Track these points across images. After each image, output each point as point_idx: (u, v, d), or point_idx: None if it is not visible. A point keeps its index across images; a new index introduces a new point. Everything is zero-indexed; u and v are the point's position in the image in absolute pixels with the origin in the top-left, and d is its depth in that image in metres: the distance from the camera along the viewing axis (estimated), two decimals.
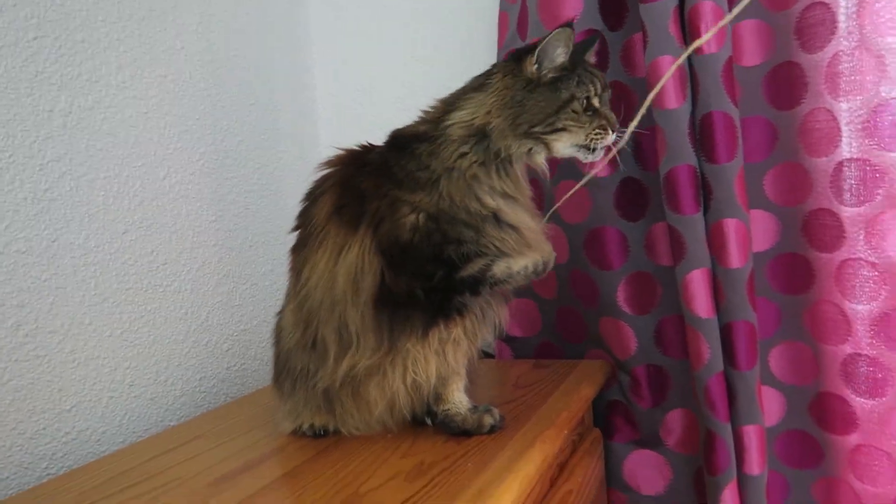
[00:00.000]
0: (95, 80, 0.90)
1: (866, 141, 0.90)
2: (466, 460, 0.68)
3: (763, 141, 0.98)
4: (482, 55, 1.22)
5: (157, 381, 0.98)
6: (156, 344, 0.98)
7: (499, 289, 0.76)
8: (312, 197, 0.78)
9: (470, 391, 0.80)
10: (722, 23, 0.88)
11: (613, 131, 0.77)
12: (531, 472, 0.67)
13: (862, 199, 0.90)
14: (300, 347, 0.77)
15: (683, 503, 1.04)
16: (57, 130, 0.85)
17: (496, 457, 0.69)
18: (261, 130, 1.23)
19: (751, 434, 0.94)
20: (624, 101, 1.00)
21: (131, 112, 0.96)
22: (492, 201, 0.73)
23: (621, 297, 1.05)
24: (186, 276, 1.04)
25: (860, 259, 0.91)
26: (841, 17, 0.90)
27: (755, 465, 0.94)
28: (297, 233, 0.79)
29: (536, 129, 0.74)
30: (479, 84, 0.77)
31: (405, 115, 0.79)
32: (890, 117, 0.89)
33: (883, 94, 0.89)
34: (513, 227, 0.74)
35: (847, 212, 0.91)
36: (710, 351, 0.93)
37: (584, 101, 0.75)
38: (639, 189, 1.04)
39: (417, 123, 0.78)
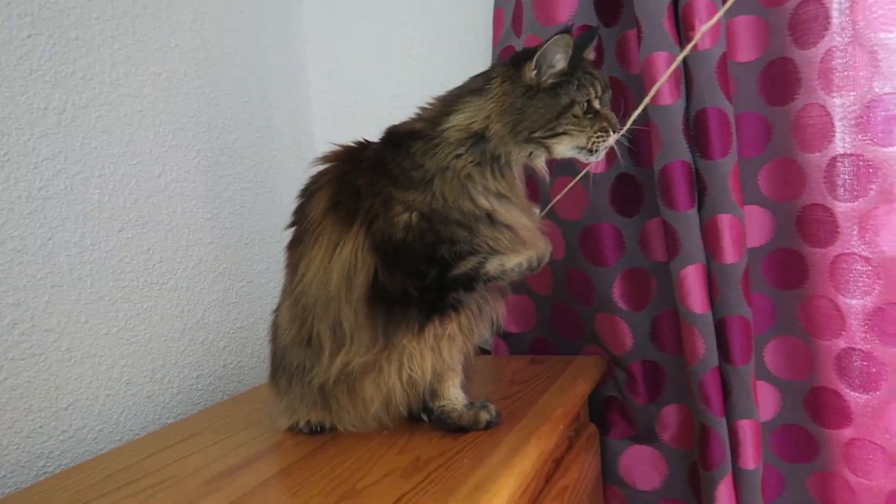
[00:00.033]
0: (90, 77, 0.90)
1: (859, 136, 0.90)
2: (462, 456, 0.69)
3: (757, 137, 0.98)
4: (477, 52, 1.22)
5: (153, 378, 0.98)
6: (152, 342, 0.98)
7: (493, 284, 0.77)
8: (308, 193, 0.78)
9: (466, 387, 0.80)
10: (714, 19, 0.88)
11: (615, 132, 0.77)
12: (527, 467, 0.68)
13: (855, 194, 0.91)
14: (296, 344, 0.77)
15: (679, 498, 1.05)
16: (51, 128, 0.85)
17: (492, 453, 0.69)
18: (256, 128, 1.23)
19: (745, 429, 0.94)
20: (619, 97, 1.00)
21: (126, 110, 0.95)
22: (486, 202, 0.73)
23: (616, 293, 1.06)
24: (182, 274, 1.04)
25: (854, 254, 0.91)
26: (834, 13, 0.90)
27: (750, 459, 0.94)
28: (293, 229, 0.79)
29: (537, 135, 0.74)
30: (477, 87, 0.76)
31: (400, 112, 0.79)
32: (883, 113, 0.89)
33: (876, 90, 0.89)
34: (507, 227, 0.74)
35: (841, 207, 0.92)
36: (704, 346, 0.93)
37: (585, 104, 0.75)
38: (633, 185, 1.05)
39: (414, 120, 0.78)
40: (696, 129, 0.93)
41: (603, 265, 1.06)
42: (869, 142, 0.90)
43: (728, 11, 0.92)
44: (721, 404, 0.94)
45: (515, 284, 0.82)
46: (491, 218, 0.73)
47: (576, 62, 0.75)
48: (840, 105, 0.91)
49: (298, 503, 0.61)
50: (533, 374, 0.99)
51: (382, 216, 0.72)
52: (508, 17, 1.13)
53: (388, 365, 0.73)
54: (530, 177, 0.81)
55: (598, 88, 0.76)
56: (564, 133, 0.75)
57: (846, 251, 0.92)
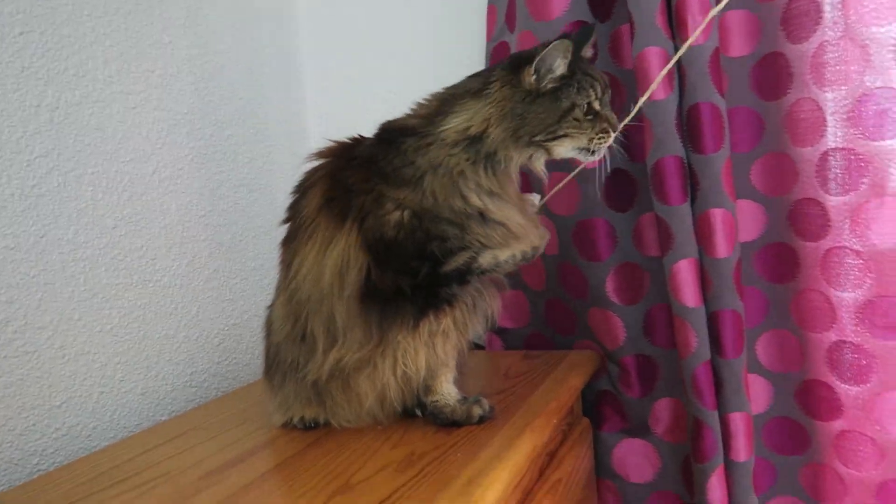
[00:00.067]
0: (82, 74, 0.90)
1: (851, 130, 0.90)
2: (456, 450, 0.69)
3: (750, 131, 0.98)
4: (471, 48, 1.22)
5: (147, 376, 0.98)
6: (146, 339, 0.98)
7: (488, 277, 0.77)
8: (302, 189, 0.78)
9: (459, 382, 0.80)
10: (709, 16, 0.88)
11: (615, 132, 0.77)
12: (520, 461, 0.68)
13: (847, 188, 0.91)
14: (290, 340, 0.77)
15: (672, 491, 1.06)
16: (44, 126, 0.85)
17: (485, 446, 0.69)
18: (250, 125, 1.23)
19: (738, 421, 0.95)
20: (613, 92, 1.00)
21: (119, 107, 0.95)
22: (478, 200, 0.73)
23: (610, 287, 1.06)
24: (177, 271, 1.04)
25: (845, 247, 0.92)
26: (826, 8, 0.90)
27: (742, 451, 0.95)
28: (287, 225, 0.80)
29: (538, 139, 0.74)
30: (476, 89, 0.76)
31: (394, 109, 0.79)
32: (874, 107, 0.89)
33: (867, 84, 0.89)
34: (499, 224, 0.74)
35: (832, 201, 0.92)
36: (697, 340, 0.94)
37: (586, 107, 0.75)
38: (627, 180, 1.05)
39: (409, 116, 0.78)
40: (689, 124, 0.94)
41: (596, 260, 1.06)
42: (860, 136, 0.90)
43: None
44: (713, 397, 0.95)
45: (510, 279, 0.83)
46: (483, 216, 0.73)
47: (575, 63, 0.75)
48: (832, 99, 0.91)
49: (293, 498, 0.61)
50: (527, 368, 0.99)
51: (374, 214, 0.72)
52: (502, 13, 1.13)
53: (383, 361, 0.74)
54: (523, 172, 0.81)
55: (598, 90, 0.76)
56: (566, 136, 0.75)
57: (838, 245, 0.92)
